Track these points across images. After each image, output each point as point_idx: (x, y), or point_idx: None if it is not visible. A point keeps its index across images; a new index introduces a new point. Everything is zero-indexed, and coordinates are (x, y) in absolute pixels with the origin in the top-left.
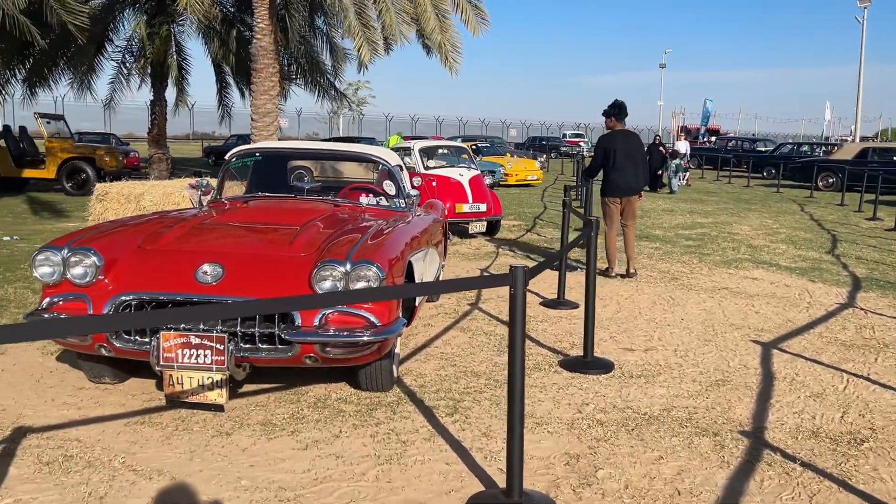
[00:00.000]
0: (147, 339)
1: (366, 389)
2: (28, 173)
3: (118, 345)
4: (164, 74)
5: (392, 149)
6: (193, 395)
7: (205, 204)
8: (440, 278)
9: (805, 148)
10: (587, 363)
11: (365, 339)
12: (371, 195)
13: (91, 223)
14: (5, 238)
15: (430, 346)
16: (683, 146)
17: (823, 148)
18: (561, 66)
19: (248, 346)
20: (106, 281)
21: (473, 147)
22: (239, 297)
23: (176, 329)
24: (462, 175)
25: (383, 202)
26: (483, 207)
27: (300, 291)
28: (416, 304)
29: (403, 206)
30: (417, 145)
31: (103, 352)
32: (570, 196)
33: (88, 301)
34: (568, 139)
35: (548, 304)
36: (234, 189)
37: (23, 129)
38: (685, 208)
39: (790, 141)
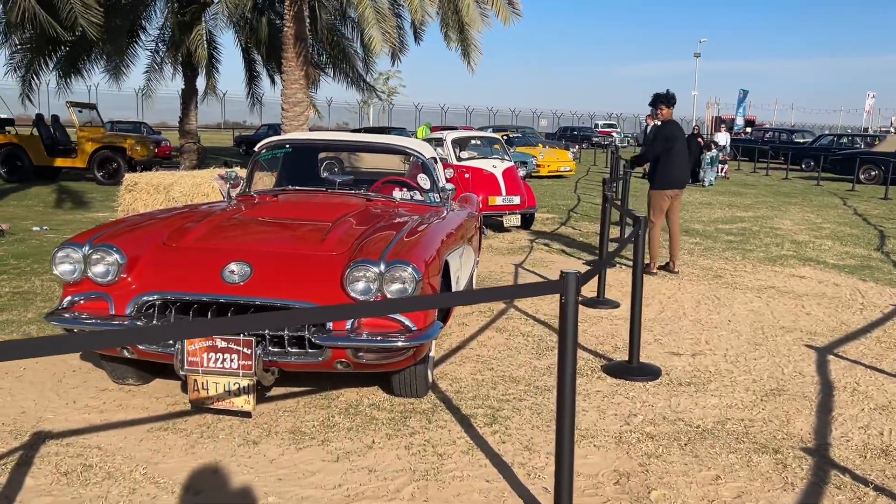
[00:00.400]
0: (171, 342)
1: (399, 395)
2: (60, 162)
3: (142, 347)
4: (194, 64)
5: (454, 140)
6: (219, 402)
7: (234, 197)
8: (475, 275)
9: (845, 140)
10: (633, 369)
11: (399, 344)
12: (405, 189)
13: (120, 214)
14: (35, 228)
15: (466, 348)
16: (723, 137)
17: (865, 140)
18: (592, 55)
19: (276, 349)
20: (129, 279)
21: (505, 137)
22: (267, 297)
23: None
24: (495, 167)
25: (417, 196)
26: (517, 200)
27: (332, 292)
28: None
29: (438, 200)
30: (450, 136)
31: (126, 353)
32: (610, 190)
33: (110, 300)
34: (600, 129)
35: (587, 302)
36: (264, 181)
37: (55, 117)
38: (723, 201)
39: (829, 132)
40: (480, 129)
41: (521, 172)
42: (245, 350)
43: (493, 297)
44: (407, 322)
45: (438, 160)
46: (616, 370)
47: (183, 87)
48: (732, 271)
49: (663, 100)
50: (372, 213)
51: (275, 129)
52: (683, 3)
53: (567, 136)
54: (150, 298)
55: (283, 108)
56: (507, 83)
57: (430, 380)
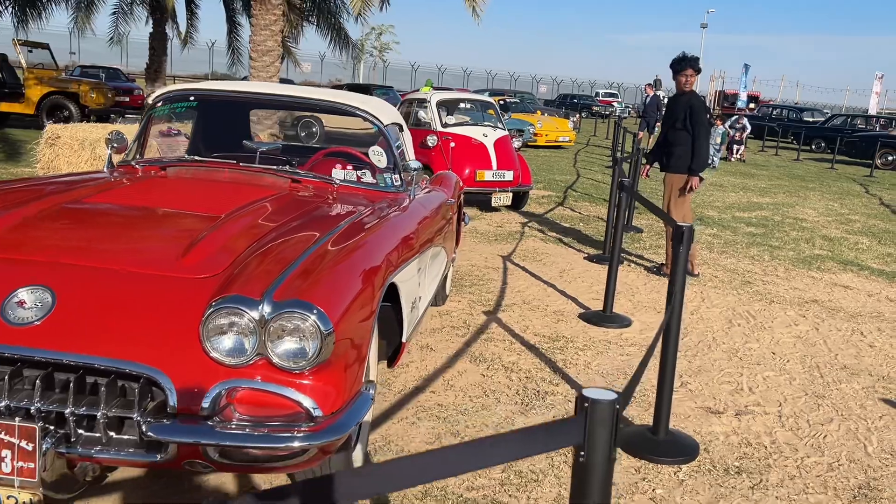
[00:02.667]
0: None
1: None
2: (4, 107)
3: None
4: (161, 5)
5: (407, 100)
6: None
7: (114, 166)
8: (449, 280)
9: (858, 121)
10: (660, 444)
11: (296, 444)
12: (351, 167)
13: (40, 172)
14: None
15: (425, 391)
16: (741, 123)
17: (879, 122)
18: (596, 21)
19: (87, 435)
20: None
21: (501, 102)
22: (66, 352)
23: None
24: (486, 136)
25: (368, 178)
26: (509, 176)
27: (182, 349)
28: (404, 339)
29: (398, 184)
30: (435, 97)
31: None
32: (626, 177)
33: None
34: (601, 98)
35: (590, 317)
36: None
37: (2, 56)
38: (736, 183)
39: (842, 112)
40: (477, 91)
41: (516, 143)
42: (24, 443)
43: (489, 462)
44: (308, 403)
45: (405, 128)
46: (638, 443)
47: (151, 30)
48: (763, 276)
49: (692, 63)
50: (290, 204)
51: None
52: None
53: (567, 104)
54: None
55: (251, 58)
56: (508, 46)
57: (363, 455)
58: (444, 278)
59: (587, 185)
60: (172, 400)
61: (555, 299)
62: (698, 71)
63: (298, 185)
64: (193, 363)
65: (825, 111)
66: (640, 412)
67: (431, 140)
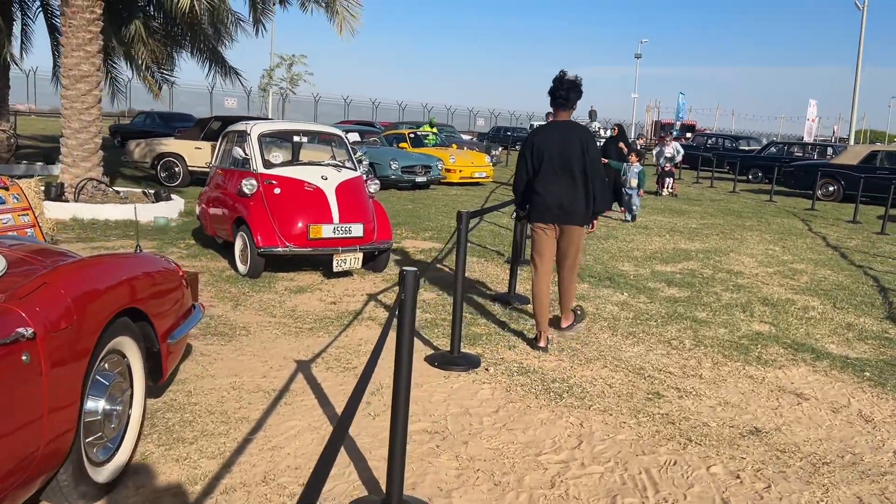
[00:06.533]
0: None
1: None
2: None
3: None
4: None
5: (228, 133)
6: None
7: None
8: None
9: (795, 148)
10: None
11: None
12: None
13: None
14: None
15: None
16: (671, 148)
17: (816, 150)
18: (535, 55)
19: None
20: None
21: (412, 136)
22: None
23: None
24: (326, 178)
25: None
26: (358, 230)
27: None
28: None
29: None
30: (257, 129)
31: None
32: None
33: None
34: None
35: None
36: None
37: None
38: (663, 224)
39: (779, 140)
40: (393, 125)
41: (374, 187)
42: None
43: None
44: None
45: None
46: None
47: None
48: (681, 378)
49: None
50: None
51: (152, 116)
52: (628, 8)
53: (498, 137)
54: None
55: (63, 86)
56: (446, 80)
57: None
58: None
59: (486, 233)
60: None
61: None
62: (561, 100)
63: None
64: None
65: (761, 139)
66: None
67: (248, 186)
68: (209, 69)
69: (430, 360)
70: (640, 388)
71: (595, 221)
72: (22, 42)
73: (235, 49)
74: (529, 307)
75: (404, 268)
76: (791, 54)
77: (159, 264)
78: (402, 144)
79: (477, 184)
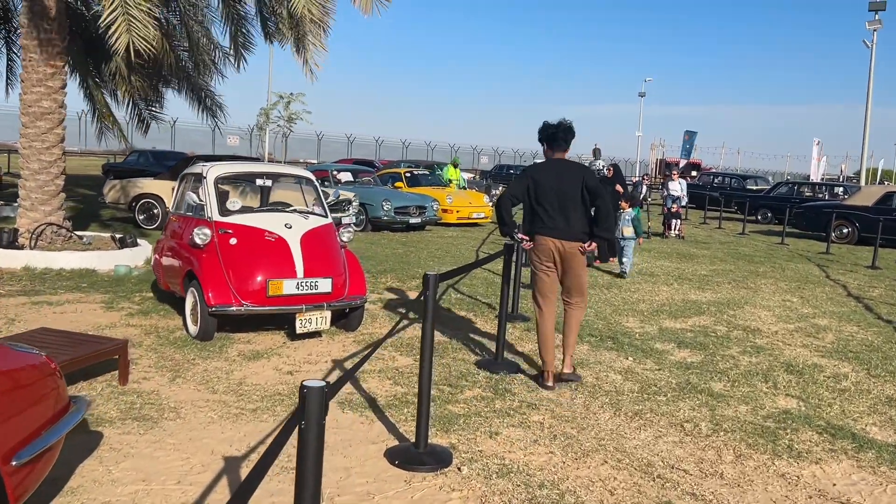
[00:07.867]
0: None
1: None
2: None
3: None
4: None
5: (184, 176)
6: None
7: None
8: None
9: (805, 189)
10: None
11: None
12: None
13: None
14: None
15: None
16: (677, 186)
17: (828, 189)
18: (537, 94)
19: None
20: None
21: (408, 175)
22: None
23: None
24: (290, 227)
25: None
26: (325, 285)
27: None
28: None
29: None
30: (213, 171)
31: None
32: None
33: None
34: None
35: None
36: None
37: None
38: (670, 271)
39: (786, 180)
40: (392, 164)
41: (347, 235)
42: None
43: None
44: None
45: None
46: None
47: None
48: (697, 477)
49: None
50: None
51: (146, 155)
52: (631, 47)
53: (501, 175)
54: None
55: (22, 124)
56: (449, 118)
57: None
58: None
59: (479, 281)
60: None
61: None
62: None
63: None
64: None
65: (768, 178)
66: None
67: (201, 236)
68: (199, 106)
69: (390, 456)
70: (648, 495)
71: (595, 243)
72: (7, 78)
73: (233, 86)
74: (519, 376)
75: (305, 382)
76: (796, 92)
77: (10, 357)
78: (397, 184)
79: (475, 224)
